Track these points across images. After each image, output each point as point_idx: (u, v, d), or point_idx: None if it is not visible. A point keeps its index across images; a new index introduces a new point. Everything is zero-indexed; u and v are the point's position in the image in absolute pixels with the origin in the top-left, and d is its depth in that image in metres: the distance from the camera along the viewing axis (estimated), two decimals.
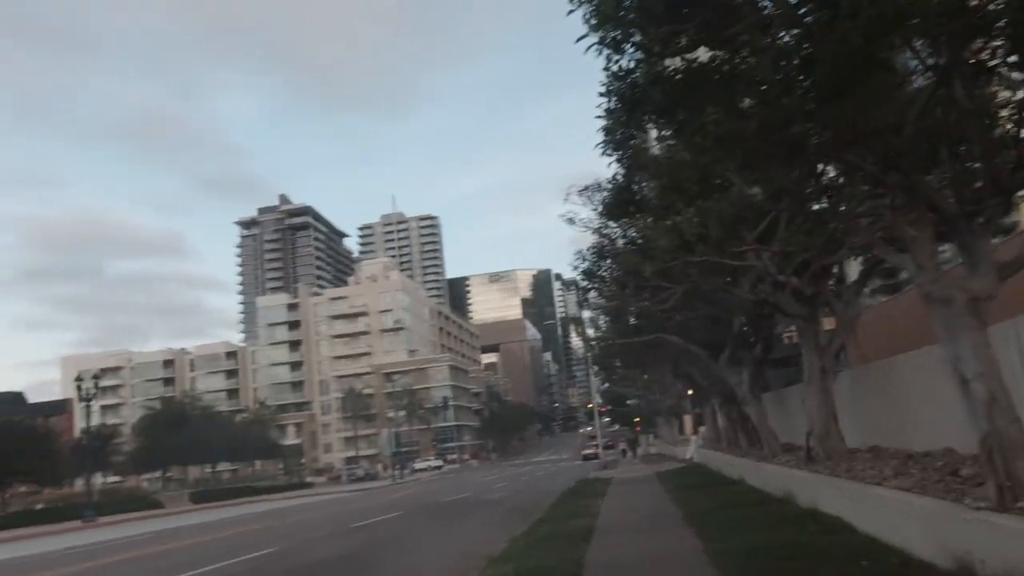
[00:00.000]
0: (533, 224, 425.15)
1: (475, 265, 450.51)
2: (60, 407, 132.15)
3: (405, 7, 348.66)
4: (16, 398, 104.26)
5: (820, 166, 10.93)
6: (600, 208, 16.12)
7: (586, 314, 38.44)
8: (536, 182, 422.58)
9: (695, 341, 22.86)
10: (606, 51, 7.96)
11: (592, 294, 19.84)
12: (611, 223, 16.92)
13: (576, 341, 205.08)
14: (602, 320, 36.08)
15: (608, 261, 18.38)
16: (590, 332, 38.98)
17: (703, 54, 8.28)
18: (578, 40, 7.78)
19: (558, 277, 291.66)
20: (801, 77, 7.75)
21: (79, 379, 42.11)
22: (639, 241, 16.11)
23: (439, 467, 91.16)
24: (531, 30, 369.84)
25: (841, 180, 10.61)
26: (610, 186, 15.60)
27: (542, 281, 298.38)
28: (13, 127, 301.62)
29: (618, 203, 15.20)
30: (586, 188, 16.35)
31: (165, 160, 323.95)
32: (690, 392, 56.21)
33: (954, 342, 7.97)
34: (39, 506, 53.88)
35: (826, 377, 15.68)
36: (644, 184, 15.00)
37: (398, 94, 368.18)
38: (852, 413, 17.15)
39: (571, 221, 17.13)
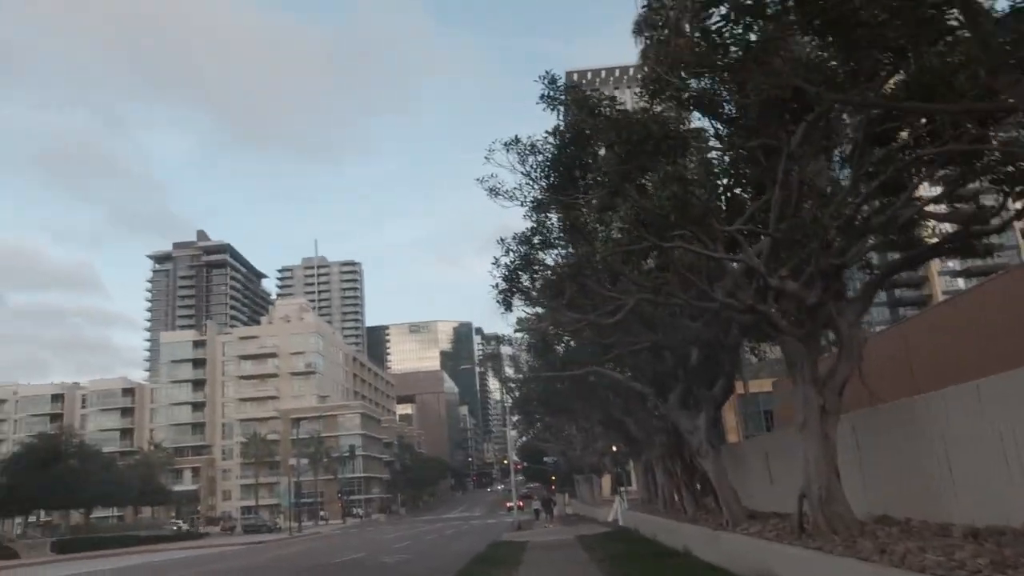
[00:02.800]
0: (456, 278, 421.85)
1: (396, 315, 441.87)
2: None
3: (344, 58, 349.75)
4: None
5: None
6: (535, 175, 11.74)
7: (506, 350, 33.88)
8: (462, 237, 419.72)
9: (638, 378, 18.67)
10: None
11: (516, 303, 15.30)
12: (548, 205, 12.42)
13: (494, 386, 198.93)
14: (524, 357, 31.64)
15: (541, 256, 13.96)
16: (509, 372, 34.23)
17: None
18: None
19: (479, 331, 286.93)
20: None
21: None
22: (586, 222, 11.77)
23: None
24: (469, 90, 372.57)
25: None
26: (551, 146, 11.37)
27: (462, 334, 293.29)
28: None
29: (561, 167, 11.02)
30: (515, 142, 11.82)
31: (82, 191, 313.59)
32: (614, 449, 52.24)
33: None
34: None
35: (827, 420, 11.61)
36: (596, 145, 10.92)
37: (328, 142, 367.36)
38: (852, 470, 13.08)
39: (494, 192, 12.43)
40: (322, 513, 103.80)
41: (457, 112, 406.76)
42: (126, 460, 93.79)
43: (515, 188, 12.05)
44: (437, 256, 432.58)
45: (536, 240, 13.44)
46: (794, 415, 12.06)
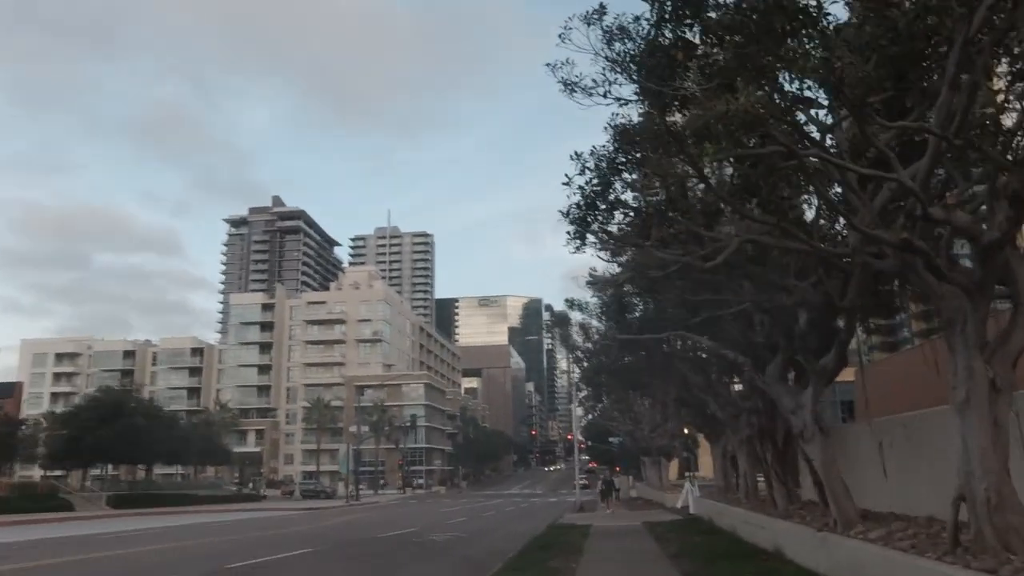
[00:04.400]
0: (530, 256, 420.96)
1: (466, 290, 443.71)
2: (8, 390, 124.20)
3: (430, 34, 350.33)
4: None
5: None
6: (624, 62, 8.91)
7: (576, 316, 31.32)
8: (536, 215, 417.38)
9: (729, 346, 15.91)
10: None
11: (590, 244, 12.44)
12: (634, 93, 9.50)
13: (561, 359, 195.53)
14: (595, 326, 29.09)
15: (622, 192, 11.17)
16: (578, 340, 31.69)
17: None
18: None
19: (548, 308, 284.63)
20: None
21: None
22: (687, 133, 8.94)
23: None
24: (546, 71, 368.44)
25: None
26: (646, 23, 8.60)
27: (532, 311, 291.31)
28: (30, 112, 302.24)
29: (658, 51, 8.35)
30: (599, 14, 8.87)
31: (172, 158, 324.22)
32: (686, 431, 49.32)
33: None
34: None
35: (1000, 399, 8.77)
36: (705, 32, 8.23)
37: (408, 116, 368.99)
38: (1017, 465, 10.19)
39: (569, 86, 9.40)
40: (382, 482, 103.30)
41: (541, 92, 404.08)
42: (192, 419, 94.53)
43: (599, 80, 9.21)
44: (512, 234, 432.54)
45: (620, 160, 10.67)
46: (950, 391, 9.22)
